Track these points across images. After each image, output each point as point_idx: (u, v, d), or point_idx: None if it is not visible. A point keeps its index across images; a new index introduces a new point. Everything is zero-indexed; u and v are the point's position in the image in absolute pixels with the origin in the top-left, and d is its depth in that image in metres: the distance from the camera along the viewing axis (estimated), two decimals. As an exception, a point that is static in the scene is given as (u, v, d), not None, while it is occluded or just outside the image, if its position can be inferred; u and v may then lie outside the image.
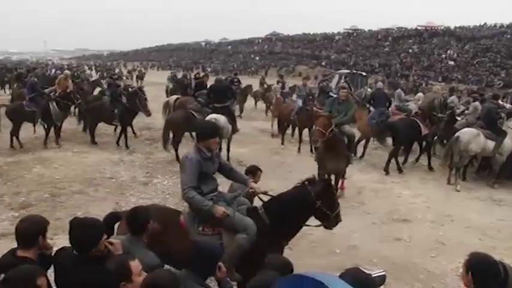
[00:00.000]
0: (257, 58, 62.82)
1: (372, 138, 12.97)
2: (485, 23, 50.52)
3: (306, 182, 4.56)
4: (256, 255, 4.02)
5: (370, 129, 12.17)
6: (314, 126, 8.60)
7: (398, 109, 13.82)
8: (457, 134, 10.21)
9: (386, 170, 10.95)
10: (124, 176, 10.07)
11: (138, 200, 8.28)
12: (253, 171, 5.81)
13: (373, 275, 2.85)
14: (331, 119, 8.40)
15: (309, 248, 6.38)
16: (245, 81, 23.32)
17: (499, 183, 10.39)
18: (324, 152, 8.49)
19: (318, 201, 4.46)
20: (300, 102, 13.67)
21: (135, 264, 2.66)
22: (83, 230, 2.93)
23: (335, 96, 10.63)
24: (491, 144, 10.04)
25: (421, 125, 11.38)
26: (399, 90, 15.23)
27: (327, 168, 8.58)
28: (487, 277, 2.77)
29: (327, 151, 8.42)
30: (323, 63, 50.29)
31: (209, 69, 54.78)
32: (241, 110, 20.09)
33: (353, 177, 10.14)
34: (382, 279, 2.99)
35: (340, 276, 2.73)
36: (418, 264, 6.32)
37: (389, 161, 11.10)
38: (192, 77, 18.24)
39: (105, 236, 3.06)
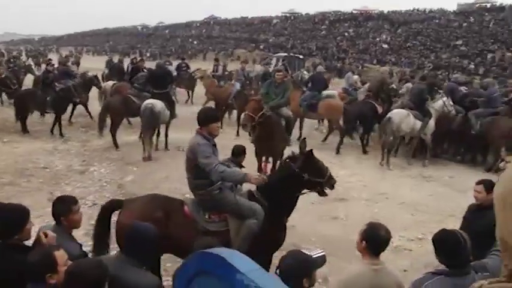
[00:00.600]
0: (195, 42, 62.04)
1: (319, 121, 13.40)
2: (416, 8, 52.46)
3: (287, 160, 4.76)
4: (261, 236, 4.43)
5: (302, 111, 12.40)
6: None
7: (346, 92, 14.19)
8: (388, 115, 10.61)
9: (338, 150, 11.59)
10: (59, 165, 9.74)
11: (74, 190, 8.05)
12: (240, 153, 5.81)
13: (314, 256, 2.98)
14: (261, 102, 8.39)
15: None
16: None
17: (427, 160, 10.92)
18: (260, 134, 8.49)
19: (305, 174, 4.59)
20: (238, 86, 13.69)
21: (60, 254, 2.56)
22: (4, 215, 2.81)
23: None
24: (418, 124, 10.49)
25: (376, 105, 11.91)
26: (349, 73, 15.65)
27: (262, 150, 8.76)
28: (378, 244, 3.13)
29: (262, 134, 8.42)
30: (261, 47, 50.43)
31: (148, 54, 53.69)
32: (190, 96, 19.68)
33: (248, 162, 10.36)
34: (322, 259, 3.12)
35: (282, 259, 2.80)
36: (355, 241, 6.52)
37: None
38: (129, 61, 17.75)
39: (30, 224, 2.95)
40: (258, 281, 1.82)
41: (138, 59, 17.70)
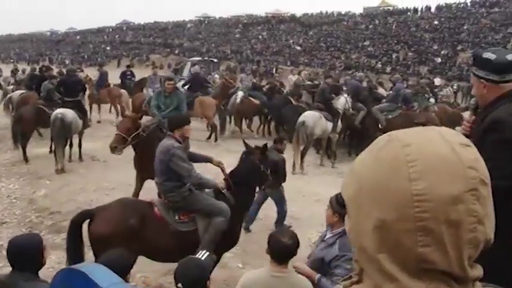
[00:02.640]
0: (108, 48, 60.28)
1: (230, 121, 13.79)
2: (326, 11, 54.47)
3: (246, 153, 5.17)
4: (227, 233, 4.70)
5: None
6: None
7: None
8: (302, 119, 10.52)
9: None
10: (-39, 184, 9.14)
11: (-20, 208, 7.61)
12: (281, 141, 7.26)
13: (203, 258, 2.97)
14: (137, 120, 6.77)
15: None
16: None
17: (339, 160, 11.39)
18: (139, 156, 6.83)
19: (261, 165, 5.01)
20: (150, 92, 13.55)
21: None
22: None
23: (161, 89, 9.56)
24: (330, 125, 10.81)
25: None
26: (290, 76, 16.11)
27: (143, 173, 6.90)
28: (279, 252, 3.13)
29: (141, 155, 6.73)
30: (176, 52, 49.99)
31: (65, 61, 51.28)
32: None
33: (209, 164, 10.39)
34: (211, 258, 3.19)
35: (180, 272, 2.78)
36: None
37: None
38: (37, 70, 16.87)
39: None
40: None
41: (46, 66, 16.90)
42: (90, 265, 2.09)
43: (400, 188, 0.77)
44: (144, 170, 6.71)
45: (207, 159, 5.43)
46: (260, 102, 13.68)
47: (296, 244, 3.14)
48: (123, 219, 4.33)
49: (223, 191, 4.92)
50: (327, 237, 3.45)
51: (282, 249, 3.07)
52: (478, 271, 0.82)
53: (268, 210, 7.80)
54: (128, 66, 19.84)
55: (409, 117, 10.96)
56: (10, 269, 2.98)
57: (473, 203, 0.77)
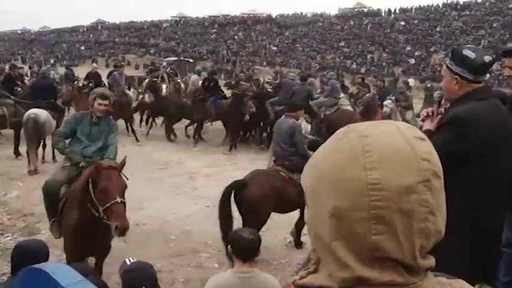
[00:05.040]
0: (82, 48, 59.49)
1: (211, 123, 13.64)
2: (301, 12, 54.86)
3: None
4: None
5: None
6: None
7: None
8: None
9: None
10: None
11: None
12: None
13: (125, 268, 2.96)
14: None
15: (143, 239, 6.34)
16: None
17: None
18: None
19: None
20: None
21: None
22: None
23: None
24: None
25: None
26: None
27: None
28: (242, 248, 3.15)
29: None
30: (152, 52, 49.68)
31: (46, 61, 50.34)
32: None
33: (185, 163, 10.36)
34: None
35: (129, 279, 2.82)
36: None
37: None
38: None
39: None
40: None
41: (19, 66, 16.56)
42: (52, 264, 2.08)
43: (356, 177, 0.79)
44: None
45: None
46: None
47: (258, 238, 3.15)
48: (271, 183, 5.60)
49: None
50: None
51: (245, 245, 3.07)
52: (429, 261, 0.84)
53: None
54: (116, 67, 16.56)
55: (345, 114, 11.26)
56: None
57: (425, 193, 0.79)
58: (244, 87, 12.69)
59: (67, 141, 5.35)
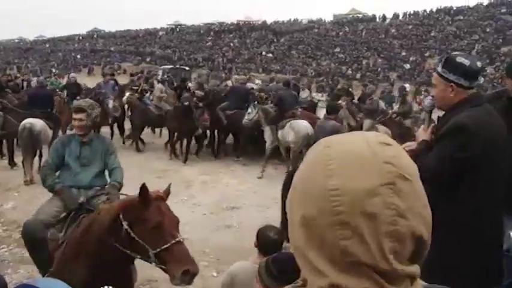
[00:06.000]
0: (78, 56, 59.55)
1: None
2: (296, 18, 55.07)
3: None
4: None
5: None
6: None
7: None
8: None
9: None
10: None
11: None
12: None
13: None
14: None
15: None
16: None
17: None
18: None
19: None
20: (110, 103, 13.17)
21: None
22: None
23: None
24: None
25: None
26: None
27: None
28: (266, 244, 3.39)
29: None
30: (148, 60, 49.78)
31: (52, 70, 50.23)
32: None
33: (181, 171, 10.34)
34: None
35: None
36: (248, 247, 6.69)
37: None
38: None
39: None
40: None
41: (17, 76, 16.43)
42: (46, 280, 2.05)
43: (318, 184, 0.81)
44: None
45: None
46: None
47: (281, 239, 3.37)
48: None
49: None
50: None
51: (269, 243, 3.33)
52: (411, 268, 0.82)
53: (243, 217, 7.83)
54: (112, 75, 16.73)
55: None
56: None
57: (390, 196, 0.78)
58: (189, 96, 12.15)
59: (57, 172, 4.33)
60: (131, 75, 19.36)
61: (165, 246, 3.03)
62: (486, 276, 2.74)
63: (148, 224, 3.09)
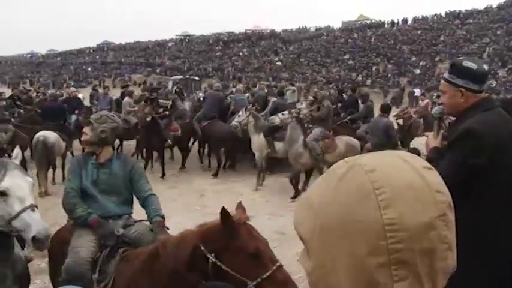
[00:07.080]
0: (89, 69, 60.12)
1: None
2: (304, 26, 55.21)
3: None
4: None
5: None
6: None
7: None
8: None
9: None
10: None
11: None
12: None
13: None
14: None
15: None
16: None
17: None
18: None
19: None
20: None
21: None
22: None
23: None
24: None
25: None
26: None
27: None
28: None
29: None
30: (158, 71, 50.11)
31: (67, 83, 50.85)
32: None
33: (194, 181, 10.37)
34: None
35: None
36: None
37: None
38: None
39: None
40: None
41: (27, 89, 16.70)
42: None
43: (370, 218, 0.71)
44: None
45: None
46: None
47: None
48: None
49: None
50: None
51: None
52: None
53: (256, 226, 7.81)
54: (127, 86, 16.51)
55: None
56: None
57: (443, 229, 0.72)
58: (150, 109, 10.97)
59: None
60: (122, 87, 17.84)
61: (267, 274, 2.54)
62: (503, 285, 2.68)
63: (244, 252, 2.61)
